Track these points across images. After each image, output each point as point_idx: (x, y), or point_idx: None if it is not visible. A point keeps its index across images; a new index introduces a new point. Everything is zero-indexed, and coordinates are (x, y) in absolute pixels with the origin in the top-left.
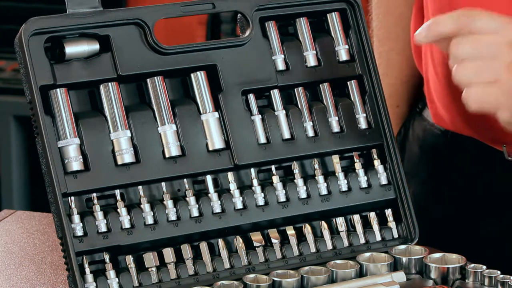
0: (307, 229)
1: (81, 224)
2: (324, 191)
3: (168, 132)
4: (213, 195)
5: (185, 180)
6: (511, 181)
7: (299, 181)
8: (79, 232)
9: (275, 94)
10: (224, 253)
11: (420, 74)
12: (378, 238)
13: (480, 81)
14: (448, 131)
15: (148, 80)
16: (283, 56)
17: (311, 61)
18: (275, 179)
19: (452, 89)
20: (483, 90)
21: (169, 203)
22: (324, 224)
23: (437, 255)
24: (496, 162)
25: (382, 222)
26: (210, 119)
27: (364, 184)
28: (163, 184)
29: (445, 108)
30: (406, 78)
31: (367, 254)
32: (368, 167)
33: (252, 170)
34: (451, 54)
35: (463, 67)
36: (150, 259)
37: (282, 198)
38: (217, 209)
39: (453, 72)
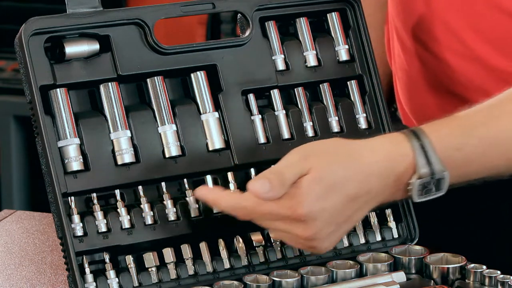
0: None
1: (81, 224)
2: None
3: (168, 132)
4: None
5: (185, 180)
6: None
7: None
8: (79, 232)
9: (275, 94)
10: (224, 253)
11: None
12: (378, 238)
13: (290, 243)
14: None
15: (148, 80)
16: (283, 56)
17: (311, 61)
18: None
19: (414, 95)
20: (289, 240)
21: (169, 203)
22: None
23: (437, 255)
24: None
25: (382, 222)
26: (210, 119)
27: None
28: (163, 184)
29: (410, 111)
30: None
31: (367, 254)
32: None
33: (252, 170)
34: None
35: (270, 231)
36: (150, 259)
37: None
38: (217, 209)
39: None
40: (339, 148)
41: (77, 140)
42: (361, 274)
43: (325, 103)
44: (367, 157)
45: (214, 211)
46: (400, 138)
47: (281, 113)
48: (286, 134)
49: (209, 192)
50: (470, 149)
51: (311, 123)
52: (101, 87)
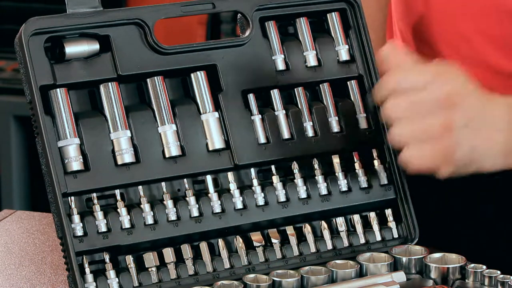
0: (307, 229)
1: (81, 224)
2: (324, 191)
3: (168, 132)
4: (213, 195)
5: (185, 180)
6: (509, 181)
7: (299, 181)
8: (79, 232)
9: (275, 94)
10: (224, 253)
11: None
12: (378, 238)
13: (415, 142)
14: None
15: (148, 80)
16: (283, 56)
17: (311, 61)
18: (275, 179)
19: None
20: (419, 151)
21: (169, 203)
22: (324, 224)
23: (437, 255)
24: None
25: (382, 222)
26: (210, 119)
27: (364, 184)
28: (163, 184)
29: None
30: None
31: (367, 254)
32: (368, 167)
33: (252, 170)
34: (385, 118)
35: (398, 129)
36: (150, 259)
37: (282, 198)
38: (217, 209)
39: (389, 134)
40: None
41: (77, 140)
42: (361, 274)
43: (325, 103)
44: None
45: (215, 211)
46: None
47: (281, 113)
48: (286, 134)
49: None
50: None
51: (311, 123)
52: (101, 87)
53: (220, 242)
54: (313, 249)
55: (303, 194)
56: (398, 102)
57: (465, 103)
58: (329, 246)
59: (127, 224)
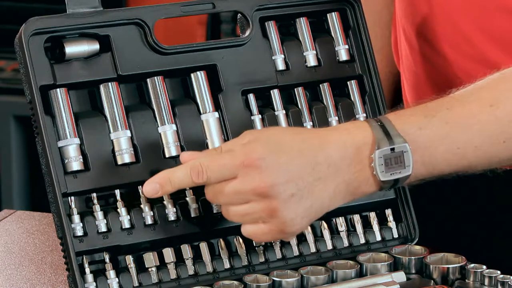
0: (307, 229)
1: (81, 224)
2: None
3: (168, 132)
4: None
5: None
6: (509, 181)
7: None
8: (79, 232)
9: (275, 94)
10: (224, 253)
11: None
12: (378, 238)
13: (248, 221)
14: None
15: (148, 80)
16: (283, 56)
17: (311, 61)
18: None
19: (422, 95)
20: (256, 230)
21: (169, 203)
22: (324, 224)
23: (437, 255)
24: None
25: (382, 222)
26: (210, 119)
27: None
28: None
29: None
30: (386, 76)
31: (367, 254)
32: None
33: None
34: (210, 201)
35: (226, 211)
36: (150, 259)
37: None
38: (217, 209)
39: (222, 213)
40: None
41: (77, 140)
42: (361, 274)
43: (325, 103)
44: (322, 130)
45: (214, 211)
46: (359, 121)
47: (281, 113)
48: None
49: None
50: (433, 129)
51: (311, 123)
52: (101, 87)
53: (220, 242)
54: (313, 249)
55: None
56: (213, 192)
57: (279, 178)
58: (329, 246)
59: (127, 224)
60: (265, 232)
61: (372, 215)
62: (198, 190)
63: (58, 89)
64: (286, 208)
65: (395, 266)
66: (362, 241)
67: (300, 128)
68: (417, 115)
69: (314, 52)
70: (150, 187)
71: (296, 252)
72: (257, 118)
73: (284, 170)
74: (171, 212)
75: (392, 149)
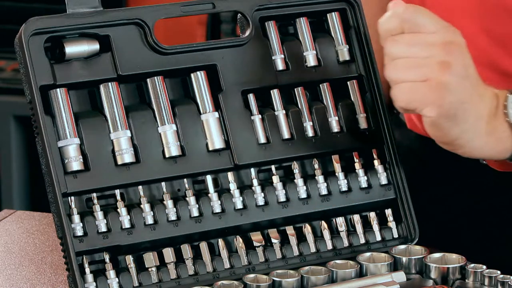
0: (307, 229)
1: (81, 224)
2: (324, 191)
3: (168, 132)
4: (213, 195)
5: (185, 180)
6: (507, 180)
7: (299, 181)
8: (79, 232)
9: (275, 94)
10: (224, 253)
11: None
12: (378, 238)
13: (409, 78)
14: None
15: (148, 80)
16: (283, 56)
17: (311, 61)
18: (275, 179)
19: None
20: (410, 86)
21: (169, 203)
22: (324, 224)
23: (437, 255)
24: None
25: (382, 222)
26: (210, 119)
27: (364, 184)
28: (163, 184)
29: (417, 115)
30: (383, 79)
31: (367, 254)
32: (368, 167)
33: (252, 170)
34: (386, 51)
35: (394, 64)
36: (150, 259)
37: (282, 198)
38: (217, 209)
39: (385, 70)
40: None
41: (77, 140)
42: (361, 274)
43: (325, 103)
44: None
45: (215, 211)
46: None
47: (281, 113)
48: (286, 134)
49: None
50: None
51: (311, 123)
52: (101, 87)
53: (220, 242)
54: (313, 249)
55: (303, 194)
56: (401, 37)
57: (466, 58)
58: (329, 246)
59: (127, 224)
60: (420, 89)
61: (372, 215)
62: (198, 190)
63: (58, 89)
64: (459, 73)
65: (395, 266)
66: (362, 241)
67: None
68: None
69: (314, 52)
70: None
71: (296, 252)
72: (257, 118)
73: (470, 57)
74: (171, 212)
75: None
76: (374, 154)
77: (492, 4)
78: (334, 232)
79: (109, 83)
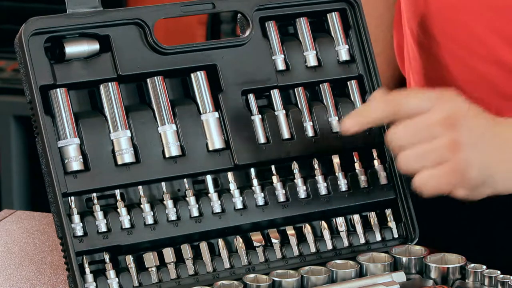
0: (307, 229)
1: (81, 224)
2: (324, 191)
3: (168, 132)
4: (213, 195)
5: (185, 180)
6: None
7: (299, 181)
8: (79, 232)
9: (275, 94)
10: (224, 253)
11: (402, 75)
12: (378, 238)
13: (426, 166)
14: None
15: (148, 80)
16: (283, 56)
17: (311, 61)
18: (275, 179)
19: None
20: (432, 174)
21: (169, 203)
22: (324, 224)
23: (437, 255)
24: None
25: (382, 222)
26: (210, 119)
27: (364, 184)
28: (163, 184)
29: None
30: (387, 80)
31: (367, 254)
32: (368, 167)
33: (252, 170)
34: (390, 143)
35: (406, 156)
36: (150, 259)
37: (282, 198)
38: (217, 209)
39: (398, 161)
40: None
41: (77, 140)
42: (361, 274)
43: (325, 103)
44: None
45: (215, 211)
46: None
47: (281, 113)
48: (286, 134)
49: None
50: None
51: (311, 123)
52: (101, 87)
53: (220, 242)
54: (313, 249)
55: (303, 194)
56: (400, 128)
57: (470, 122)
58: (329, 246)
59: (127, 224)
60: (441, 174)
61: (372, 215)
62: (198, 190)
63: (58, 89)
64: (470, 146)
65: (395, 266)
66: (362, 241)
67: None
68: None
69: (314, 52)
70: (347, 121)
71: (296, 252)
72: (257, 118)
73: (474, 115)
74: (171, 212)
75: None
76: (374, 154)
77: (501, 3)
78: (334, 232)
79: (109, 83)
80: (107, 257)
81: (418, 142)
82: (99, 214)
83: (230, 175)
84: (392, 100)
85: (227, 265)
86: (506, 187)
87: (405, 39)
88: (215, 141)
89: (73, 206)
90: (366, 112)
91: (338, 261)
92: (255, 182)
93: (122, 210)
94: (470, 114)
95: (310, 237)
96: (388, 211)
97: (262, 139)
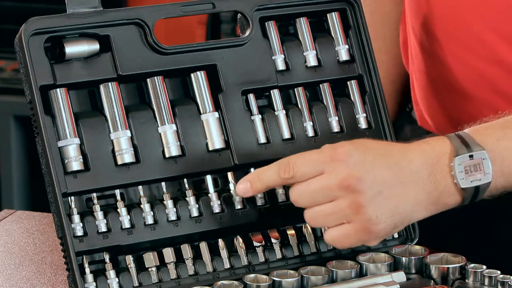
0: (307, 229)
1: (81, 224)
2: None
3: (168, 132)
4: (213, 195)
5: (185, 180)
6: None
7: None
8: (79, 232)
9: (275, 94)
10: (224, 253)
11: (408, 73)
12: None
13: (332, 224)
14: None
15: (148, 80)
16: (283, 56)
17: (311, 61)
18: None
19: (432, 97)
20: (340, 233)
21: (169, 203)
22: None
23: (437, 255)
24: None
25: None
26: (210, 119)
27: None
28: (163, 184)
29: (427, 112)
30: (394, 77)
31: (367, 254)
32: None
33: (252, 170)
34: (295, 203)
35: (310, 215)
36: (150, 259)
37: (282, 198)
38: (217, 209)
39: (305, 218)
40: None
41: (77, 140)
42: (361, 274)
43: (325, 103)
44: (402, 142)
45: (214, 211)
46: (436, 136)
47: (281, 113)
48: (286, 134)
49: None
50: (511, 140)
51: (311, 123)
52: (101, 87)
53: (220, 242)
54: (313, 249)
55: None
56: (296, 192)
57: (367, 177)
58: (329, 246)
59: (127, 224)
60: (350, 233)
61: None
62: (198, 190)
63: (58, 89)
64: (372, 204)
65: (395, 266)
66: None
67: (382, 141)
68: (493, 128)
69: (314, 52)
70: (242, 186)
71: (296, 252)
72: (257, 118)
73: (370, 168)
74: (171, 212)
75: (471, 156)
76: None
77: (503, 3)
78: None
79: (109, 83)
80: (107, 257)
81: (320, 203)
82: (99, 214)
83: (230, 175)
84: (285, 165)
85: (227, 265)
86: (421, 215)
87: (408, 37)
88: (215, 141)
89: (73, 206)
90: (261, 176)
91: (338, 261)
92: None
93: (122, 210)
94: (366, 166)
95: (310, 237)
96: None
97: (262, 139)
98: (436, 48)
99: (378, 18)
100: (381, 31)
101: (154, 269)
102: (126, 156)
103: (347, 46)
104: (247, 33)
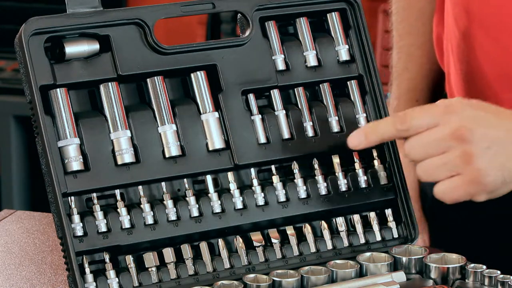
0: (307, 229)
1: (81, 224)
2: (324, 191)
3: (168, 132)
4: (213, 195)
5: (185, 180)
6: None
7: (299, 181)
8: (79, 232)
9: (275, 94)
10: (224, 253)
11: (440, 69)
12: (378, 238)
13: (442, 176)
14: None
15: (148, 80)
16: (283, 56)
17: (311, 61)
18: (275, 179)
19: (474, 86)
20: (449, 185)
21: (169, 203)
22: (324, 224)
23: (437, 255)
24: None
25: (382, 222)
26: (210, 119)
27: (364, 184)
28: (163, 184)
29: None
30: (426, 72)
31: (367, 254)
32: (368, 167)
33: (252, 170)
34: (408, 156)
35: (422, 168)
36: (150, 259)
37: (282, 198)
38: (217, 209)
39: (416, 172)
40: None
41: (77, 140)
42: (361, 274)
43: (325, 103)
44: None
45: (215, 211)
46: None
47: (281, 113)
48: (286, 134)
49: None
50: None
51: (311, 123)
52: (101, 87)
53: (220, 242)
54: (313, 249)
55: (303, 194)
56: (411, 144)
57: (479, 130)
58: (329, 246)
59: (127, 224)
60: (459, 185)
61: (372, 215)
62: (198, 190)
63: (58, 89)
64: (482, 156)
65: (395, 266)
66: (362, 241)
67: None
68: None
69: (314, 52)
70: (356, 138)
71: (296, 252)
72: (257, 118)
73: (482, 122)
74: (171, 212)
75: None
76: (374, 154)
77: None
78: (334, 232)
79: (109, 83)
80: (107, 257)
81: (431, 155)
82: (99, 214)
83: (230, 175)
84: (401, 117)
85: (227, 265)
86: None
87: (446, 30)
88: (215, 141)
89: (73, 206)
90: (376, 128)
91: (338, 261)
92: (255, 182)
93: (122, 210)
94: (479, 120)
95: (310, 237)
96: (388, 211)
97: (262, 139)
98: (481, 36)
99: (412, 14)
100: (414, 27)
101: (154, 269)
102: (126, 156)
103: (347, 46)
104: (247, 33)
